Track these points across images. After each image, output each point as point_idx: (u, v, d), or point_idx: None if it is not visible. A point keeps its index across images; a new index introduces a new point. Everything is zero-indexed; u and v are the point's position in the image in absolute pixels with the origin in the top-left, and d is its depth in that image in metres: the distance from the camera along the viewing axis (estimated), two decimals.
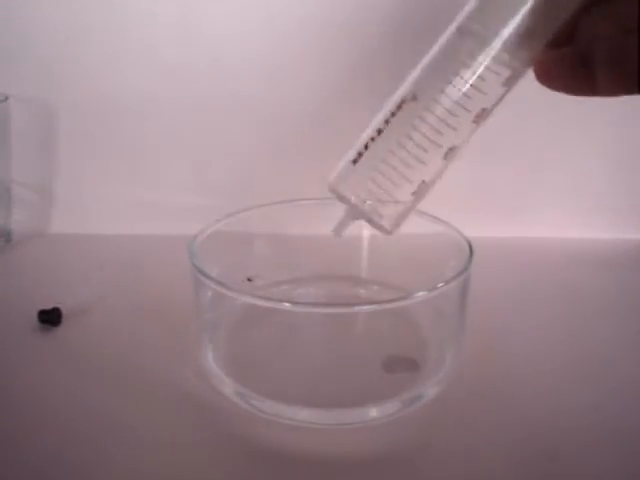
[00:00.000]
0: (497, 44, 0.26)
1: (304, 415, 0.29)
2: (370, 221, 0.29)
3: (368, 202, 0.29)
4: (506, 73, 0.27)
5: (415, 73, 0.28)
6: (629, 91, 0.24)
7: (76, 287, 0.42)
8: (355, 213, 0.30)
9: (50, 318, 0.37)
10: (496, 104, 0.28)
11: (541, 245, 0.50)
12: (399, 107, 0.29)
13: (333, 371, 0.32)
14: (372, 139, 0.29)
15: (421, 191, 0.30)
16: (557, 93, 0.26)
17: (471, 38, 0.27)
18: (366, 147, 0.29)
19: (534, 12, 0.26)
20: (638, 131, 0.49)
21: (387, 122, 0.29)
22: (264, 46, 0.47)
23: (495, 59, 0.27)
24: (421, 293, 0.28)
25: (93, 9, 0.47)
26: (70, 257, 0.48)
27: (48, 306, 0.38)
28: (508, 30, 0.26)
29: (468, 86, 0.27)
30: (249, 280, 0.39)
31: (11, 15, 0.47)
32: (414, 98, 0.28)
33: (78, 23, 0.47)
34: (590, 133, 0.50)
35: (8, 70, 0.48)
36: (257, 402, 0.29)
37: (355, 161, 0.29)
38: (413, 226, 0.36)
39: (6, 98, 0.47)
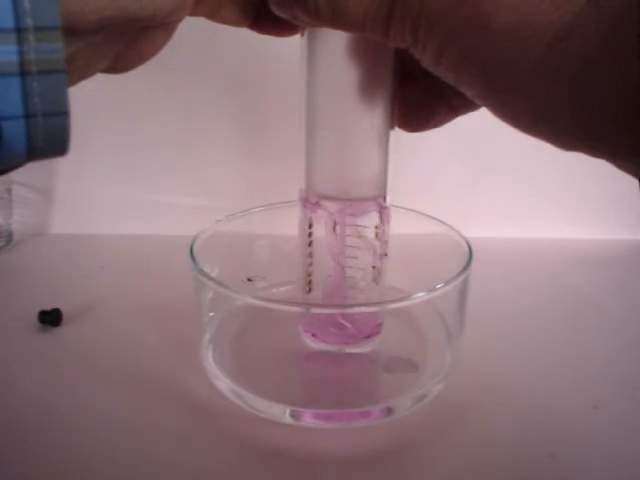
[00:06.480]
0: None
1: (303, 415, 0.29)
2: None
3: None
4: None
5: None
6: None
7: (76, 287, 0.42)
8: None
9: (50, 318, 0.37)
10: None
11: (539, 245, 0.51)
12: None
13: (333, 371, 0.33)
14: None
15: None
16: None
17: None
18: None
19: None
20: None
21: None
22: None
23: None
24: (421, 294, 0.28)
25: None
26: (71, 257, 0.48)
27: (48, 306, 0.38)
28: None
29: None
30: (249, 280, 0.39)
31: None
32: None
33: None
34: None
35: None
36: (257, 402, 0.29)
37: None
38: (413, 227, 0.36)
39: None
